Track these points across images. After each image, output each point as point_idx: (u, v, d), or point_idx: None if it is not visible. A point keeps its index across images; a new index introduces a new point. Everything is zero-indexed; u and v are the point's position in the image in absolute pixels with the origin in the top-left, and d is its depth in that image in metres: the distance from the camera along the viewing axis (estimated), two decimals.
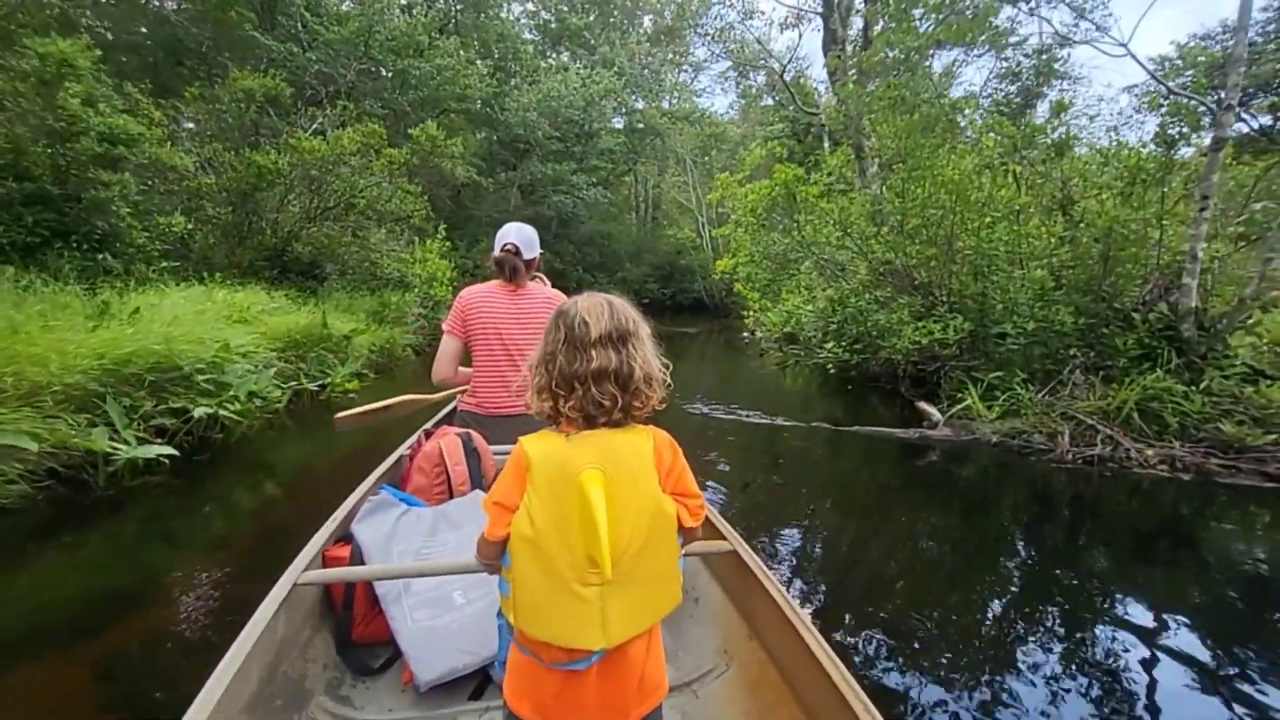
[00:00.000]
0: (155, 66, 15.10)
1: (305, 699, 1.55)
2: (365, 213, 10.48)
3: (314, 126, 10.62)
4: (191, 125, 10.03)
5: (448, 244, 13.23)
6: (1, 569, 2.99)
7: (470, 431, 2.31)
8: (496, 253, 2.48)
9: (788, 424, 6.13)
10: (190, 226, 7.48)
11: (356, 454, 5.49)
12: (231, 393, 4.63)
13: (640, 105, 28.74)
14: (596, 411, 1.00)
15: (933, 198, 5.88)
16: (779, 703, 1.55)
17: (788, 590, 1.70)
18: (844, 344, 6.95)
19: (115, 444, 3.70)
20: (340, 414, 2.61)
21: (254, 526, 3.77)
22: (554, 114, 22.81)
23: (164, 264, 7.22)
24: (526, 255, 2.47)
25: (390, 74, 17.97)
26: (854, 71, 7.10)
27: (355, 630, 1.75)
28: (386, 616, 1.70)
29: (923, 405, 5.43)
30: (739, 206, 7.91)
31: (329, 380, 6.31)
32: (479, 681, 1.65)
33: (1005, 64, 19.77)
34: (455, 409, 2.80)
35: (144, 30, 15.97)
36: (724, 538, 1.86)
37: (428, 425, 2.86)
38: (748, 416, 6.54)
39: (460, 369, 2.58)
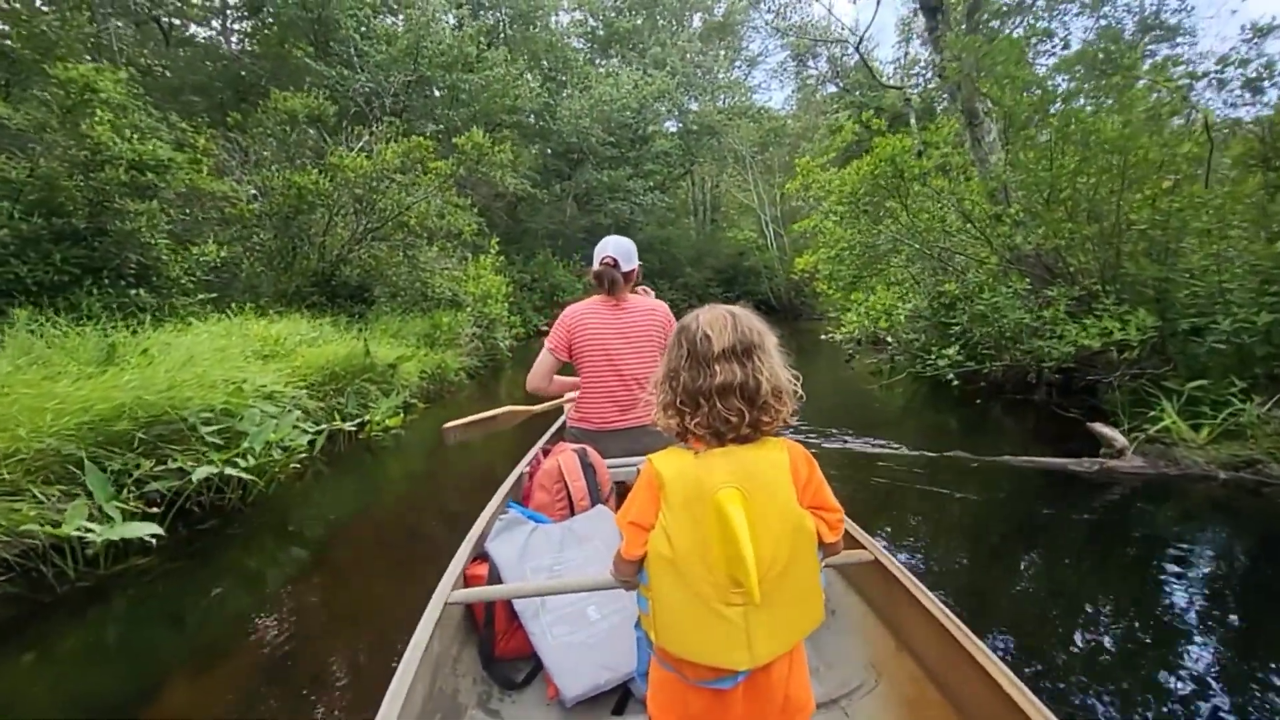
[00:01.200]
0: (222, 104, 15.45)
1: (460, 713, 1.61)
2: (415, 231, 9.95)
3: (360, 145, 10.18)
4: (263, 154, 9.76)
5: (501, 258, 12.61)
6: None
7: (585, 447, 2.30)
8: (595, 266, 2.48)
9: (908, 452, 4.95)
10: (224, 254, 7.02)
11: (399, 503, 4.76)
12: (246, 444, 3.92)
13: (694, 106, 27.80)
14: (724, 428, 0.97)
15: (1088, 160, 4.60)
16: None
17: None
18: (969, 348, 5.69)
19: (89, 526, 2.99)
20: (447, 424, 2.68)
21: (274, 608, 2.99)
22: (607, 119, 22.15)
23: (200, 296, 6.75)
24: (625, 267, 2.47)
25: (441, 91, 17.77)
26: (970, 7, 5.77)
27: (497, 646, 1.79)
28: (526, 632, 1.74)
29: (1100, 428, 4.15)
30: (831, 192, 6.75)
31: (367, 418, 5.59)
32: (620, 696, 1.64)
33: (1105, 21, 17.58)
34: (564, 424, 2.85)
35: (211, 71, 16.55)
36: (863, 546, 1.80)
37: (543, 442, 2.91)
38: (851, 441, 5.38)
39: (557, 378, 2.58)
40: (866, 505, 4.05)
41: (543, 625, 1.74)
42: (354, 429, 5.35)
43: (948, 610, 1.48)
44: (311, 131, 10.72)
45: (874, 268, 7.87)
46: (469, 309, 10.34)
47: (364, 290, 9.42)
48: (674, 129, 27.58)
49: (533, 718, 1.64)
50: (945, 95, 16.96)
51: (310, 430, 4.77)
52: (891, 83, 22.05)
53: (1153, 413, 4.17)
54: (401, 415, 6.12)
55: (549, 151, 23.51)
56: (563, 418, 3.02)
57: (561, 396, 2.75)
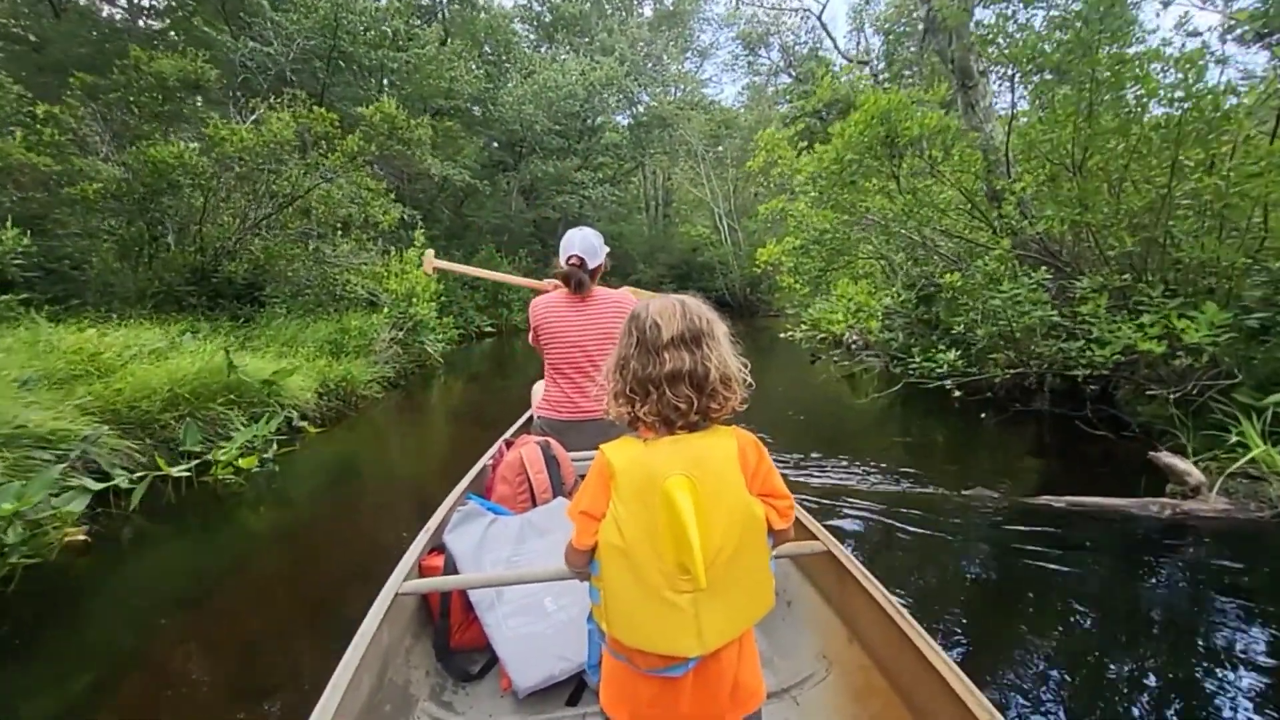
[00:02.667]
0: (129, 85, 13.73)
1: (411, 705, 1.57)
2: (322, 219, 8.50)
3: (253, 118, 8.65)
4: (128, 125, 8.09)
5: (433, 252, 11.20)
6: None
7: (549, 440, 2.30)
8: (562, 266, 2.48)
9: (907, 488, 3.91)
10: (27, 241, 5.48)
11: (232, 580, 3.33)
12: None
13: (645, 97, 26.78)
14: (674, 415, 0.97)
15: (1132, 118, 3.68)
16: (888, 710, 1.44)
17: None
18: (968, 350, 4.74)
19: None
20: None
21: None
22: (552, 106, 20.80)
23: (8, 296, 5.23)
24: (591, 264, 2.47)
25: (368, 71, 16.21)
26: None
27: (453, 638, 1.75)
28: (482, 624, 1.70)
29: (1167, 457, 3.20)
30: (800, 170, 5.71)
31: (214, 457, 4.22)
32: (574, 687, 1.63)
33: None
34: (532, 417, 2.87)
35: (112, 50, 14.72)
36: (816, 537, 1.79)
37: (508, 435, 2.88)
38: (830, 471, 4.29)
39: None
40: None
41: (498, 617, 1.70)
42: (188, 473, 3.98)
43: (896, 602, 1.47)
44: (196, 102, 9.14)
45: (846, 256, 6.89)
46: (387, 310, 8.92)
47: (255, 289, 7.92)
48: (625, 122, 26.52)
49: (486, 709, 1.61)
50: (916, 69, 16.36)
51: (125, 482, 3.41)
52: (847, 70, 21.48)
53: (1234, 436, 3.24)
54: (272, 447, 4.76)
55: (494, 143, 22.13)
56: (530, 410, 3.04)
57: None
